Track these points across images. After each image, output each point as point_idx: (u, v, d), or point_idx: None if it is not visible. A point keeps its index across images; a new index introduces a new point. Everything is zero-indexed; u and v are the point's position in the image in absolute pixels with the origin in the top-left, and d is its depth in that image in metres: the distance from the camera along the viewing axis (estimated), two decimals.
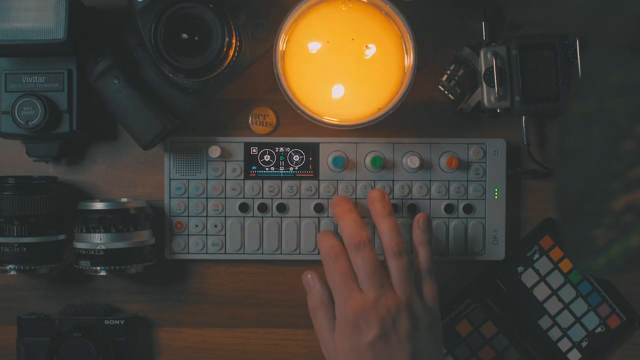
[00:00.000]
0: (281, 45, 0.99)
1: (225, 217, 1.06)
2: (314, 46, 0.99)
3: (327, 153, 1.06)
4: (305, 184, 1.06)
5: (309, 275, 1.01)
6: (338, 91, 1.00)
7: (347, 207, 1.02)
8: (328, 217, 1.06)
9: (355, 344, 0.95)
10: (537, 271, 1.07)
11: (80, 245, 1.01)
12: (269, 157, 1.06)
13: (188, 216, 1.06)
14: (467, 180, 1.06)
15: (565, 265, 1.07)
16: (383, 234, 0.99)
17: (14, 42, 0.95)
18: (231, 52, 0.96)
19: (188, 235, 1.06)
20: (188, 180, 1.05)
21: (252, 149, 1.06)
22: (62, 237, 1.02)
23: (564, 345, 1.08)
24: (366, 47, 0.99)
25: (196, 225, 1.06)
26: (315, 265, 1.03)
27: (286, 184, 1.06)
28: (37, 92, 0.99)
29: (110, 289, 1.07)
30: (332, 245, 0.98)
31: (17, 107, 0.98)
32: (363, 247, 0.96)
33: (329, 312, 0.98)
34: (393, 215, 1.00)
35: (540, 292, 1.08)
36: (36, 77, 1.00)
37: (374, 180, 1.06)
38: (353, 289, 0.96)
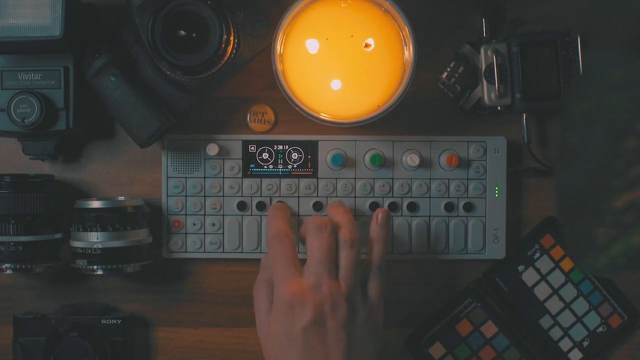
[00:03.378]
0: (280, 42, 0.98)
1: (223, 215, 1.05)
2: (312, 43, 0.99)
3: (326, 151, 1.05)
4: (304, 182, 1.05)
5: (266, 257, 1.00)
6: (337, 88, 0.99)
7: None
8: (327, 216, 1.05)
9: (288, 327, 0.93)
10: (537, 270, 1.07)
11: (76, 244, 1.00)
12: (267, 155, 1.05)
13: (186, 215, 1.05)
14: (468, 179, 1.06)
15: (566, 264, 1.07)
16: (340, 225, 0.98)
17: (10, 39, 0.95)
18: (229, 49, 0.96)
19: (186, 233, 1.05)
20: (186, 178, 1.05)
21: (251, 147, 1.05)
22: (58, 235, 1.02)
23: (565, 344, 1.07)
24: (365, 44, 0.99)
25: (194, 224, 1.05)
26: None
27: (285, 182, 1.05)
28: (34, 89, 0.99)
29: (107, 288, 1.07)
30: (280, 228, 0.97)
31: (13, 105, 0.98)
32: (324, 230, 0.96)
33: (270, 293, 0.97)
34: (350, 214, 1.01)
35: (541, 291, 1.07)
36: (32, 75, 0.99)
37: (374, 179, 1.05)
38: (293, 272, 0.95)
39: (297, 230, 1.05)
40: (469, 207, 1.06)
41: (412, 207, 1.06)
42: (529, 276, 1.07)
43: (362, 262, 0.98)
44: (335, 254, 0.96)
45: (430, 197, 1.06)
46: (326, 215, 1.04)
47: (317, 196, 1.05)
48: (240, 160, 1.05)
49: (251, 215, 1.05)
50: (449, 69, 1.04)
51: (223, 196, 1.05)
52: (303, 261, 0.97)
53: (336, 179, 1.06)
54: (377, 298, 0.97)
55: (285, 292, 0.94)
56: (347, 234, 0.96)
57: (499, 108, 1.04)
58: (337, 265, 0.96)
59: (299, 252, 1.01)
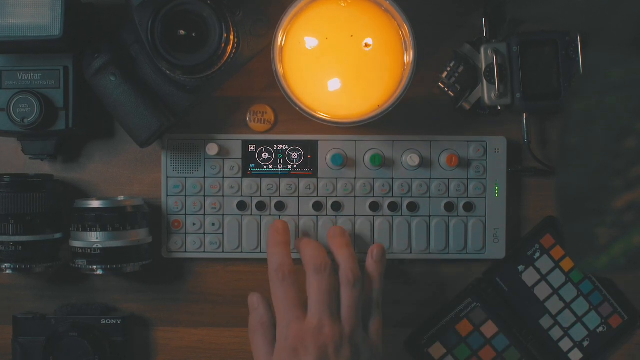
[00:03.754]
0: (280, 41, 0.98)
1: (223, 215, 1.05)
2: (312, 43, 0.99)
3: (326, 151, 1.05)
4: (303, 182, 1.05)
5: (255, 298, 1.00)
6: (337, 88, 0.99)
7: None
8: (327, 215, 1.05)
9: None
10: (538, 270, 1.07)
11: (76, 243, 1.00)
12: (267, 155, 1.05)
13: (185, 214, 1.05)
14: (468, 178, 1.06)
15: (567, 264, 1.07)
16: (341, 263, 0.98)
17: (10, 38, 0.95)
18: (229, 49, 0.96)
19: (185, 233, 1.05)
20: (185, 178, 1.05)
21: (250, 147, 1.05)
22: (58, 235, 1.02)
23: (565, 344, 1.07)
24: (365, 43, 0.98)
25: (194, 224, 1.05)
26: None
27: (285, 182, 1.05)
28: (33, 89, 0.98)
29: (106, 288, 1.07)
30: (282, 264, 0.97)
31: (12, 104, 0.98)
32: (323, 270, 0.96)
33: (268, 335, 0.97)
34: (352, 247, 1.00)
35: (541, 291, 1.07)
36: (32, 74, 0.99)
37: (374, 178, 1.05)
38: (297, 314, 0.95)
39: (297, 228, 1.05)
40: (469, 207, 1.06)
41: (412, 207, 1.05)
42: (529, 276, 1.07)
43: (363, 298, 0.98)
44: (335, 294, 0.96)
45: (430, 197, 1.06)
46: (329, 214, 1.04)
47: (317, 196, 1.05)
48: (240, 160, 1.05)
49: (251, 215, 1.05)
50: (449, 69, 1.04)
51: (223, 196, 1.05)
52: (297, 261, 0.97)
53: (336, 178, 1.05)
54: (377, 336, 0.98)
55: (289, 335, 0.94)
56: (350, 274, 0.96)
57: (499, 108, 1.04)
58: (338, 304, 0.96)
59: (294, 254, 1.01)
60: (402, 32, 0.99)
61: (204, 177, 1.05)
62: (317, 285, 0.95)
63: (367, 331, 0.98)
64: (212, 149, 1.04)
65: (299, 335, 0.94)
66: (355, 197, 1.06)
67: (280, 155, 1.05)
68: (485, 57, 1.03)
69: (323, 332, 0.94)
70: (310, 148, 1.05)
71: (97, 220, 0.99)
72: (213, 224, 1.05)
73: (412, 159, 1.04)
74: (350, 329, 0.95)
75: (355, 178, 1.06)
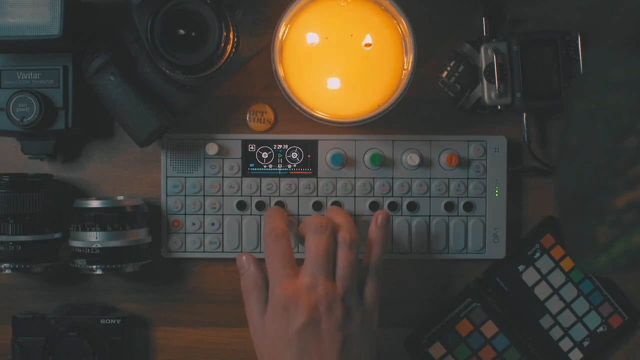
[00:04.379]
0: (279, 41, 0.98)
1: (223, 215, 1.05)
2: (312, 42, 0.99)
3: (326, 150, 1.05)
4: (303, 182, 1.05)
5: (244, 257, 0.99)
6: (337, 88, 0.99)
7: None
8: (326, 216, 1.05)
9: (283, 329, 0.93)
10: (538, 270, 1.07)
11: (76, 243, 1.00)
12: (267, 154, 1.05)
13: (185, 214, 1.05)
14: (468, 178, 1.06)
15: (567, 264, 1.07)
16: (339, 225, 0.97)
17: (9, 38, 0.95)
18: (229, 48, 0.96)
19: (185, 233, 1.05)
20: (185, 178, 1.05)
21: (250, 147, 1.05)
22: (57, 235, 1.02)
23: (565, 344, 1.07)
24: (365, 43, 0.98)
25: (193, 224, 1.05)
26: None
27: (284, 181, 1.05)
28: (32, 88, 0.98)
29: (106, 288, 1.07)
30: (277, 225, 0.97)
31: (12, 104, 0.98)
32: (323, 231, 0.95)
33: (262, 295, 0.97)
34: (349, 216, 1.00)
35: (542, 291, 1.07)
36: (31, 74, 0.99)
37: (373, 178, 1.05)
38: (289, 272, 0.94)
39: (296, 229, 1.05)
40: (469, 206, 1.06)
41: (412, 206, 1.05)
42: (529, 276, 1.07)
43: (359, 263, 0.97)
44: (332, 255, 0.95)
45: (430, 196, 1.06)
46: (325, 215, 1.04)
47: (317, 196, 1.05)
48: (240, 160, 1.05)
49: (250, 215, 1.05)
50: (449, 68, 1.04)
51: (222, 196, 1.05)
52: (299, 261, 0.97)
53: (336, 178, 1.05)
54: (373, 300, 0.97)
55: (281, 293, 0.93)
56: (347, 235, 0.96)
57: (499, 107, 1.04)
58: (334, 266, 0.95)
59: (297, 252, 1.01)
60: (402, 31, 0.99)
61: (204, 177, 1.05)
62: (315, 244, 0.95)
63: (363, 296, 0.97)
64: (211, 149, 1.04)
65: (291, 293, 0.93)
66: (355, 196, 1.05)
67: (280, 155, 1.05)
68: (486, 56, 1.03)
69: (315, 290, 0.93)
70: (310, 148, 1.05)
71: (97, 220, 0.99)
72: (213, 224, 1.05)
73: (412, 159, 1.04)
74: (344, 290, 0.94)
75: (355, 178, 1.05)
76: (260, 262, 1.00)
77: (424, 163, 1.05)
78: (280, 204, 1.05)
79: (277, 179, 1.05)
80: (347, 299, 0.94)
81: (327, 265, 0.94)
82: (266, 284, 0.97)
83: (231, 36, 0.95)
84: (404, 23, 0.97)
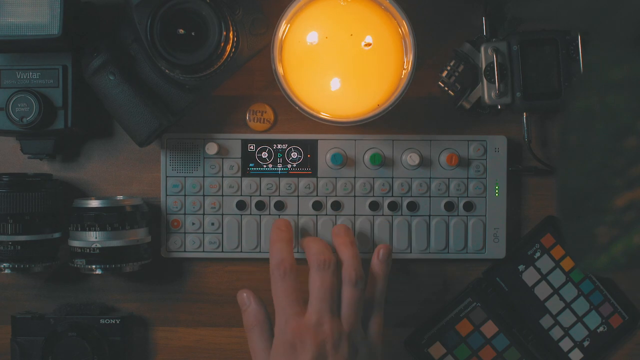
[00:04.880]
0: (279, 40, 0.98)
1: (223, 214, 1.05)
2: (312, 41, 0.98)
3: (326, 150, 1.05)
4: (303, 182, 1.05)
5: (244, 294, 1.00)
6: (336, 87, 0.99)
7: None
8: (326, 215, 1.05)
9: None
10: (538, 270, 1.07)
11: (75, 243, 1.00)
12: (266, 154, 1.05)
13: (185, 214, 1.05)
14: (468, 178, 1.06)
15: (567, 263, 1.07)
16: (344, 261, 0.98)
17: (9, 37, 0.95)
18: (228, 48, 0.96)
19: (185, 233, 1.05)
20: (185, 177, 1.05)
21: (250, 146, 1.05)
22: (57, 235, 1.01)
23: (566, 344, 1.07)
24: (365, 42, 0.98)
25: (193, 223, 1.05)
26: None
27: (284, 181, 1.05)
28: (32, 88, 0.98)
29: (105, 288, 1.07)
30: (284, 258, 0.97)
31: (11, 104, 0.97)
32: (327, 267, 0.96)
33: (265, 331, 0.98)
34: (356, 246, 1.00)
35: (542, 291, 1.07)
36: (31, 73, 0.99)
37: (373, 178, 1.05)
38: (297, 310, 0.95)
39: (297, 228, 1.04)
40: (469, 206, 1.05)
41: (412, 206, 1.05)
42: (530, 276, 1.07)
43: (363, 298, 0.98)
44: (336, 292, 0.96)
45: (430, 196, 1.06)
46: (329, 214, 1.04)
47: (317, 195, 1.05)
48: (240, 160, 1.05)
49: (250, 214, 1.05)
50: (449, 68, 1.04)
51: (222, 195, 1.05)
52: (300, 261, 0.97)
53: (336, 178, 1.05)
54: (377, 335, 0.98)
55: (288, 330, 0.94)
56: (352, 273, 0.96)
57: (499, 107, 1.04)
58: (338, 302, 0.96)
59: (297, 252, 1.01)
60: (402, 31, 0.99)
61: (203, 177, 1.05)
62: (320, 282, 0.95)
63: (367, 331, 0.98)
64: (211, 148, 1.04)
65: (298, 331, 0.94)
66: (355, 196, 1.05)
67: (279, 155, 1.05)
68: (486, 56, 1.03)
69: (322, 329, 0.94)
70: (310, 147, 1.05)
71: (96, 219, 0.99)
72: (212, 224, 1.05)
73: (412, 158, 1.04)
74: (350, 327, 0.95)
75: (355, 177, 1.05)
76: (263, 264, 1.00)
77: (424, 163, 1.05)
78: (280, 203, 1.05)
79: (276, 179, 1.05)
80: (353, 335, 0.95)
81: (332, 302, 0.95)
82: (268, 320, 0.98)
83: (231, 36, 0.95)
84: (404, 22, 0.97)
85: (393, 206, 1.05)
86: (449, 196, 1.06)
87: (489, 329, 1.07)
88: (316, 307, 0.95)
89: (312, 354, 0.93)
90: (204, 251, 1.05)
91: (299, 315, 0.95)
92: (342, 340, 0.94)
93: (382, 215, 1.05)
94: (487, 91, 1.03)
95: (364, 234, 1.04)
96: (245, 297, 1.00)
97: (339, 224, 1.04)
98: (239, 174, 1.05)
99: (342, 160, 1.04)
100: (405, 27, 0.97)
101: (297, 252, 1.03)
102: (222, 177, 1.05)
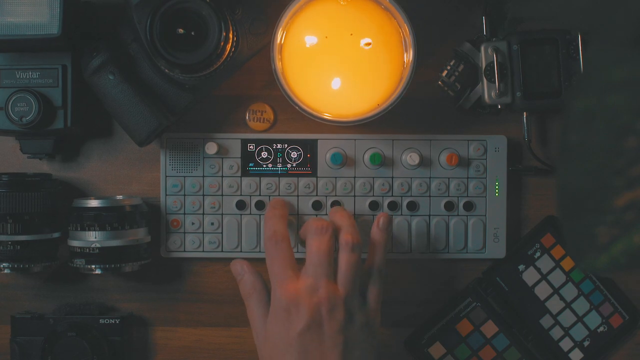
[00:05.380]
0: (279, 40, 0.98)
1: (222, 214, 1.05)
2: (312, 41, 0.98)
3: (326, 150, 1.05)
4: (303, 181, 1.05)
5: (238, 265, 1.00)
6: (336, 87, 0.99)
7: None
8: (326, 214, 1.05)
9: (285, 332, 0.93)
10: (538, 270, 1.07)
11: (75, 243, 1.00)
12: (266, 153, 1.05)
13: (184, 214, 1.05)
14: (468, 177, 1.05)
15: (567, 263, 1.07)
16: (341, 227, 0.97)
17: (8, 37, 0.95)
18: (228, 47, 0.96)
19: (184, 233, 1.05)
20: (184, 177, 1.05)
21: (250, 146, 1.05)
22: (56, 235, 1.01)
23: (566, 344, 1.07)
24: (365, 42, 0.98)
25: (192, 223, 1.05)
26: None
27: (284, 181, 1.05)
28: (31, 87, 0.98)
29: (105, 288, 1.07)
30: (277, 229, 0.96)
31: (10, 103, 0.97)
32: (324, 232, 0.95)
33: (262, 298, 0.97)
34: (353, 219, 1.00)
35: (542, 290, 1.07)
36: (30, 73, 0.99)
37: (373, 177, 1.05)
38: (290, 274, 0.94)
39: (297, 229, 1.04)
40: (469, 206, 1.05)
41: (412, 206, 1.05)
42: (530, 275, 1.07)
43: (361, 265, 0.97)
44: (333, 257, 0.95)
45: (430, 196, 1.06)
46: (328, 213, 1.04)
47: (317, 195, 1.05)
48: (239, 159, 1.05)
49: (250, 214, 1.05)
50: (449, 67, 1.04)
51: (222, 195, 1.05)
52: (300, 260, 0.96)
53: (336, 177, 1.05)
54: (375, 303, 0.97)
55: (282, 295, 0.93)
56: (349, 237, 0.96)
57: (499, 106, 1.04)
58: (336, 268, 0.95)
59: (297, 252, 1.01)
60: (401, 30, 0.98)
61: (203, 176, 1.05)
62: (316, 246, 0.94)
63: (365, 299, 0.97)
64: (211, 148, 1.04)
65: (292, 295, 0.93)
66: (354, 196, 1.05)
67: (279, 154, 1.05)
68: (486, 55, 1.03)
69: (317, 292, 0.93)
70: (310, 147, 1.05)
71: (96, 219, 0.99)
72: (212, 224, 1.05)
73: (412, 158, 1.04)
74: (346, 293, 0.94)
75: (354, 177, 1.05)
76: (262, 264, 1.00)
77: (424, 162, 1.05)
78: None
79: (276, 179, 1.05)
80: (349, 301, 0.94)
81: (329, 267, 0.94)
82: (265, 287, 0.98)
83: (230, 35, 0.95)
84: (404, 22, 0.97)
85: (393, 206, 1.05)
86: (449, 196, 1.06)
87: (489, 328, 1.06)
88: (311, 271, 0.94)
89: (306, 319, 0.92)
90: (203, 251, 1.05)
91: (293, 280, 0.94)
92: (338, 305, 0.93)
93: None
94: (487, 91, 1.03)
95: (363, 234, 1.04)
96: (239, 267, 0.99)
97: (335, 206, 1.04)
98: (239, 174, 1.05)
99: (342, 160, 1.04)
100: (405, 26, 0.97)
101: (297, 252, 1.03)
102: (222, 176, 1.05)
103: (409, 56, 0.98)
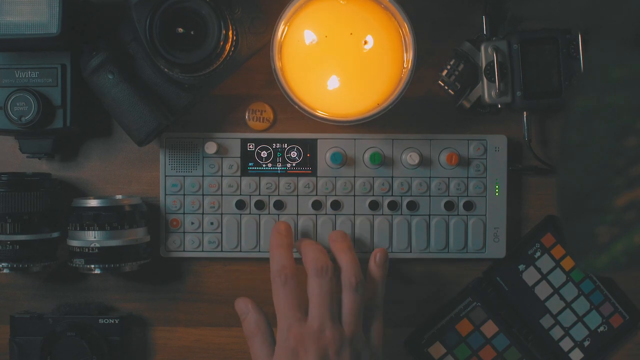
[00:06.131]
0: (279, 39, 0.98)
1: (222, 214, 1.05)
2: (312, 40, 0.98)
3: (326, 149, 1.05)
4: (303, 181, 1.05)
5: (242, 303, 1.00)
6: (336, 86, 0.99)
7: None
8: (326, 214, 1.05)
9: None
10: (538, 269, 1.06)
11: (74, 243, 1.00)
12: (266, 153, 1.05)
13: (184, 213, 1.05)
14: (468, 177, 1.05)
15: (567, 263, 1.07)
16: (343, 267, 0.98)
17: (7, 36, 0.95)
18: (227, 47, 0.95)
19: (184, 232, 1.05)
20: (184, 177, 1.04)
21: (249, 145, 1.05)
22: (55, 234, 1.01)
23: (566, 344, 1.07)
24: (365, 41, 0.98)
25: (192, 223, 1.05)
26: None
27: (283, 180, 1.05)
28: (31, 87, 0.98)
29: (104, 288, 1.06)
30: (284, 266, 0.97)
31: (10, 103, 0.97)
32: (325, 274, 0.96)
33: (267, 338, 0.97)
34: (354, 251, 1.00)
35: (542, 290, 1.07)
36: (29, 72, 0.99)
37: (373, 177, 1.05)
38: (299, 317, 0.95)
39: (296, 228, 1.04)
40: (469, 205, 1.05)
41: (412, 205, 1.05)
42: (530, 275, 1.07)
43: (363, 303, 0.98)
44: (335, 298, 0.96)
45: (430, 195, 1.05)
46: (328, 213, 1.04)
47: (316, 195, 1.05)
48: (239, 159, 1.05)
49: (250, 214, 1.05)
50: (449, 67, 1.04)
51: (221, 195, 1.05)
52: (300, 260, 0.96)
53: (335, 177, 1.05)
54: (379, 339, 0.98)
55: (290, 337, 0.94)
56: (352, 279, 0.96)
57: (499, 106, 1.04)
58: (339, 307, 0.96)
59: (296, 253, 1.01)
60: (401, 30, 0.98)
61: (203, 176, 1.04)
62: (319, 288, 0.95)
63: (368, 335, 0.98)
64: (210, 148, 1.04)
65: (300, 337, 0.94)
66: (354, 196, 1.05)
67: (279, 154, 1.05)
68: (486, 55, 1.03)
69: (324, 335, 0.94)
70: (310, 146, 1.05)
71: (95, 219, 0.99)
72: (212, 223, 1.05)
73: (412, 158, 1.04)
74: (352, 333, 0.95)
75: (354, 177, 1.05)
76: (262, 264, 0.99)
77: (424, 162, 1.05)
78: (279, 203, 1.04)
79: (276, 178, 1.05)
80: (355, 341, 0.95)
81: (332, 308, 0.95)
82: (269, 327, 0.98)
83: (230, 35, 0.95)
84: (404, 21, 0.97)
85: (393, 206, 1.05)
86: (449, 195, 1.05)
87: (489, 328, 1.06)
88: (316, 313, 0.94)
89: None
90: (203, 251, 1.05)
91: (301, 322, 0.94)
92: (345, 345, 0.94)
93: (382, 214, 1.05)
94: (487, 90, 1.03)
95: (363, 234, 1.04)
96: (244, 306, 1.00)
97: (336, 230, 1.04)
98: (238, 174, 1.05)
99: (342, 160, 1.04)
100: (405, 26, 0.97)
101: (296, 251, 1.03)
102: (222, 176, 1.05)
103: (409, 55, 0.98)
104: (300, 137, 1.05)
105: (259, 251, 1.05)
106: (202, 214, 1.05)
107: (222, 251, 1.05)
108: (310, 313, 0.95)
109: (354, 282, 0.96)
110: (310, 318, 0.95)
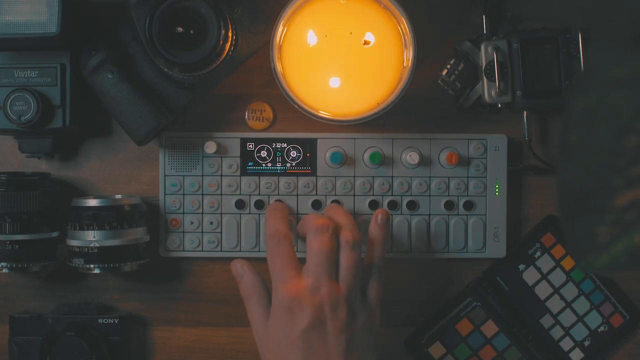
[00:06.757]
0: (278, 39, 0.98)
1: (221, 214, 1.05)
2: (311, 40, 0.98)
3: (325, 149, 1.05)
4: (302, 181, 1.05)
5: (238, 265, 0.99)
6: (336, 86, 0.99)
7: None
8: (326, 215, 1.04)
9: (287, 331, 0.93)
10: (538, 269, 1.06)
11: (73, 242, 1.00)
12: (265, 153, 1.04)
13: (183, 213, 1.05)
14: (468, 177, 1.05)
15: (568, 263, 1.07)
16: (341, 226, 0.97)
17: (6, 35, 0.95)
18: (227, 46, 0.95)
19: (183, 232, 1.05)
20: (183, 176, 1.04)
21: (249, 145, 1.04)
22: (55, 234, 1.01)
23: (566, 344, 1.07)
24: (365, 41, 0.98)
25: (191, 223, 1.04)
26: None
27: (283, 180, 1.05)
28: (30, 86, 0.98)
29: (104, 287, 1.06)
30: (278, 228, 0.96)
31: (9, 102, 0.97)
32: (325, 231, 0.95)
33: (263, 298, 0.96)
34: (351, 216, 1.00)
35: (542, 290, 1.06)
36: (29, 72, 0.99)
37: (373, 177, 1.05)
38: (293, 274, 0.94)
39: (296, 229, 1.04)
40: (469, 205, 1.05)
41: (412, 205, 1.05)
42: (530, 275, 1.06)
43: (361, 262, 0.97)
44: (334, 256, 0.95)
45: (430, 195, 1.05)
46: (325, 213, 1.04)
47: (316, 194, 1.05)
48: (239, 158, 1.05)
49: (249, 213, 1.05)
50: (449, 66, 1.04)
51: (221, 194, 1.05)
52: (301, 260, 0.96)
53: (335, 177, 1.05)
54: (376, 299, 0.97)
55: (285, 295, 0.93)
56: (350, 235, 0.95)
57: (499, 105, 1.04)
58: (336, 266, 0.95)
59: (298, 252, 1.01)
60: (401, 29, 0.98)
61: (202, 176, 1.04)
62: (317, 245, 0.94)
63: (366, 296, 0.96)
64: (210, 147, 1.04)
65: (295, 294, 0.93)
66: (354, 195, 1.05)
67: (279, 154, 1.05)
68: (486, 54, 1.03)
69: (319, 291, 0.93)
70: (309, 146, 1.05)
71: (95, 218, 0.99)
72: (211, 223, 1.05)
73: (412, 157, 1.04)
74: (348, 291, 0.94)
75: (354, 176, 1.05)
76: (262, 264, 0.99)
77: (424, 162, 1.05)
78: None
79: (276, 178, 1.05)
80: (351, 299, 0.94)
81: (330, 266, 0.94)
82: (265, 288, 0.97)
83: (230, 34, 0.95)
84: (404, 20, 0.97)
85: (393, 205, 1.05)
86: (449, 195, 1.05)
87: (489, 328, 1.06)
88: (313, 270, 0.93)
89: (309, 317, 0.92)
90: (202, 250, 1.05)
91: (295, 279, 0.93)
92: (340, 303, 0.93)
93: None
94: (487, 90, 1.03)
95: (363, 234, 1.04)
96: (240, 267, 0.99)
97: (331, 203, 1.04)
98: (238, 173, 1.05)
99: (342, 159, 1.04)
100: (404, 25, 0.97)
101: (298, 251, 1.02)
102: (221, 176, 1.05)
103: (408, 55, 0.98)
104: (300, 137, 1.05)
105: (259, 251, 1.05)
106: (202, 213, 1.05)
107: (221, 251, 1.05)
108: (307, 270, 0.94)
109: (351, 239, 0.95)
110: (306, 275, 0.94)
